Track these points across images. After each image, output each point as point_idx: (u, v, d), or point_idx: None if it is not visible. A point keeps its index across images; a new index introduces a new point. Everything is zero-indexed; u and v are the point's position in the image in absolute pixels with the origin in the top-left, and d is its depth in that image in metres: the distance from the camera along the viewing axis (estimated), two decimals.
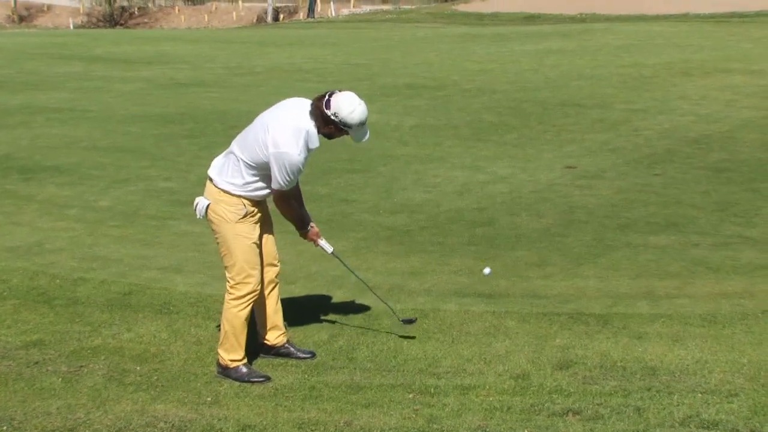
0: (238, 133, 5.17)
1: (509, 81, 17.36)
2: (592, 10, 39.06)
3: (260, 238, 5.17)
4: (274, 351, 5.36)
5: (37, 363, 5.26)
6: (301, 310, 6.04)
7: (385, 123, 12.88)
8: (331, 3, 59.10)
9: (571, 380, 4.92)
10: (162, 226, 8.21)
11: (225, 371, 5.07)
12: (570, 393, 4.76)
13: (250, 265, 5.03)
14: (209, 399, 4.81)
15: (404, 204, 8.98)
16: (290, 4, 65.54)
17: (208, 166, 5.15)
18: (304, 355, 5.33)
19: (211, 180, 5.05)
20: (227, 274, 5.06)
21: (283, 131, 4.86)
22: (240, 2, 66.70)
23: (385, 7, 59.47)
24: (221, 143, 12.11)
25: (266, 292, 5.28)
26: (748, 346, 5.36)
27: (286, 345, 5.37)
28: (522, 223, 8.24)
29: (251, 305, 5.08)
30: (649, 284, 6.49)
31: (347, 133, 4.94)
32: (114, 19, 65.09)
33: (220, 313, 5.15)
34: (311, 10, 57.48)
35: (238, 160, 4.98)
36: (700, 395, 4.69)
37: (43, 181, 10.02)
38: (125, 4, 66.90)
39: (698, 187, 9.35)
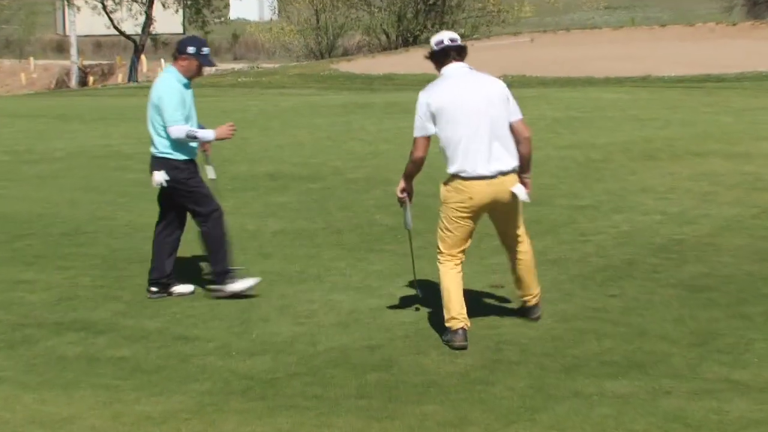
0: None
1: None
2: (520, 71, 40.02)
3: None
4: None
5: None
6: None
7: (240, 227, 12.87)
8: (162, 61, 59.26)
9: None
10: None
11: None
12: None
13: None
14: None
15: (267, 341, 8.94)
16: (104, 62, 65.59)
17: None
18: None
19: (505, 173, 8.62)
20: (522, 228, 9.07)
21: (484, 78, 8.81)
22: (31, 60, 66.36)
23: (238, 66, 59.94)
24: (6, 260, 11.90)
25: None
26: None
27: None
28: (431, 365, 8.28)
29: None
30: None
31: None
32: None
33: None
34: (133, 71, 57.51)
35: (505, 138, 8.65)
36: None
37: None
38: None
39: (669, 313, 9.56)
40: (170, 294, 10.29)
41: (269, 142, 21.51)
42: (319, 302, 10.08)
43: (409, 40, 60.97)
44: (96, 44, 73.77)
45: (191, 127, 10.03)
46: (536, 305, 9.30)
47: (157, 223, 10.50)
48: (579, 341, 8.81)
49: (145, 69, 59.45)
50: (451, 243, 8.84)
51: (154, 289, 10.29)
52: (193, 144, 10.18)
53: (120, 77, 59.77)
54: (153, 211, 14.14)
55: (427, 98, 8.72)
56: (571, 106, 26.15)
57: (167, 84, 10.04)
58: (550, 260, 11.46)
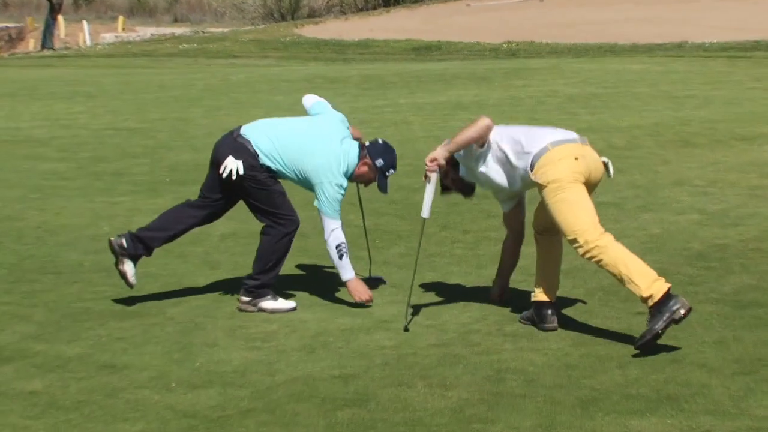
0: None
1: None
2: (527, 36, 40.04)
3: None
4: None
5: None
6: None
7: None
8: (85, 24, 59.14)
9: None
10: None
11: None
12: None
13: None
14: None
15: (213, 371, 8.94)
16: (11, 25, 65.34)
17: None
18: None
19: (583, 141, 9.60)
20: None
21: None
22: None
23: (179, 30, 59.80)
24: None
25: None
26: None
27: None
28: (416, 399, 8.29)
29: None
30: None
31: None
32: None
33: None
34: (48, 36, 57.33)
35: None
36: None
37: None
38: None
39: (708, 335, 9.60)
40: (120, 264, 10.29)
41: (217, 125, 21.41)
42: (278, 322, 10.08)
43: None
44: (2, 3, 73.62)
45: (344, 242, 10.36)
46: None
47: (193, 201, 10.70)
48: (598, 370, 8.83)
49: (62, 33, 59.31)
50: (590, 213, 9.28)
51: (124, 242, 10.30)
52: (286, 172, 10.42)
53: (32, 43, 59.61)
54: (71, 209, 14.13)
55: None
56: (589, 80, 26.19)
57: (339, 175, 10.28)
58: (564, 270, 11.44)
